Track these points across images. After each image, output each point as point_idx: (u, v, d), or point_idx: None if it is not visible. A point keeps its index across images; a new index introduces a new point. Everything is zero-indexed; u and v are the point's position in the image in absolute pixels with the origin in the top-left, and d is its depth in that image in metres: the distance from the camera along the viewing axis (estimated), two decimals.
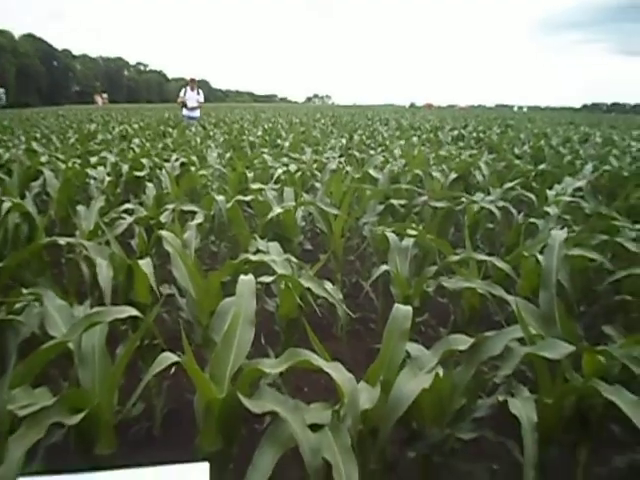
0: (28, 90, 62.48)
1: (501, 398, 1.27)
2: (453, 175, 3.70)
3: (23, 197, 3.48)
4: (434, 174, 3.65)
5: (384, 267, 2.24)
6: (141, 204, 3.27)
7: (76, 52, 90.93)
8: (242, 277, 1.59)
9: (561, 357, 1.32)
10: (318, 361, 1.07)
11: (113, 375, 1.25)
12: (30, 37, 73.72)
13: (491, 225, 3.38)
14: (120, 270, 1.90)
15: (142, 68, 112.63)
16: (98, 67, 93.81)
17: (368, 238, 3.13)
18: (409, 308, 1.45)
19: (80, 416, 1.03)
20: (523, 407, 1.15)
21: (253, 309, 1.48)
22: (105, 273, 1.76)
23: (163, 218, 2.72)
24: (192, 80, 10.83)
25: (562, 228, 2.75)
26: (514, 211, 2.92)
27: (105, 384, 1.25)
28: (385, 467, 1.43)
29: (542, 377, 1.46)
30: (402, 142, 6.71)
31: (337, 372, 1.06)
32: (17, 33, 72.22)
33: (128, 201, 3.75)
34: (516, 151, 6.31)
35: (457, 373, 1.45)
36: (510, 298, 1.71)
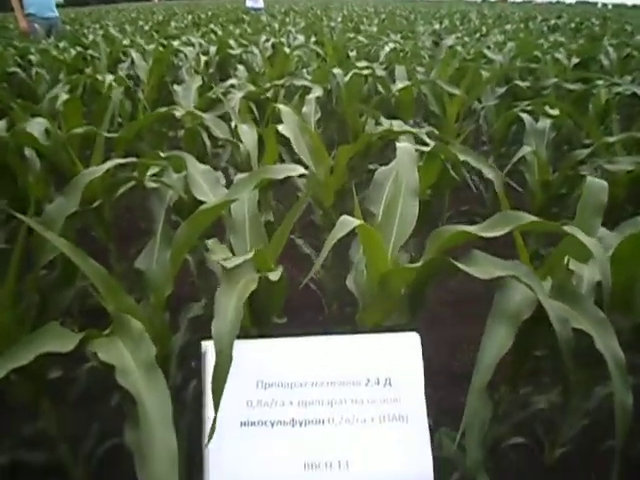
0: None
1: None
2: (575, 59, 3.31)
3: None
4: (556, 55, 3.26)
5: (526, 149, 2.01)
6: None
7: None
8: (399, 145, 1.43)
9: None
10: (545, 222, 0.91)
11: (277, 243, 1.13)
12: None
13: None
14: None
15: None
16: None
17: (483, 123, 2.88)
18: (604, 182, 1.27)
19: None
20: None
21: (416, 179, 1.32)
22: (251, 136, 1.63)
23: (270, 94, 2.56)
24: None
25: None
26: None
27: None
28: None
29: None
30: (498, 29, 6.13)
31: (581, 235, 0.90)
32: None
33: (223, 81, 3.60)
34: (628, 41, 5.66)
35: None
36: None
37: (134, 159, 1.41)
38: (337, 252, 1.41)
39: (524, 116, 2.21)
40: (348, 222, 1.07)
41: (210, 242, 1.06)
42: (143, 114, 2.46)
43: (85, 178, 1.19)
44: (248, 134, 1.65)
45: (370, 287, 1.19)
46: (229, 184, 1.41)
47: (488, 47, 3.50)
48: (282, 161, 2.01)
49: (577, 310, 0.84)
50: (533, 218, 0.92)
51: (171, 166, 1.47)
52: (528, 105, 2.28)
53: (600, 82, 2.65)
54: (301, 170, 1.19)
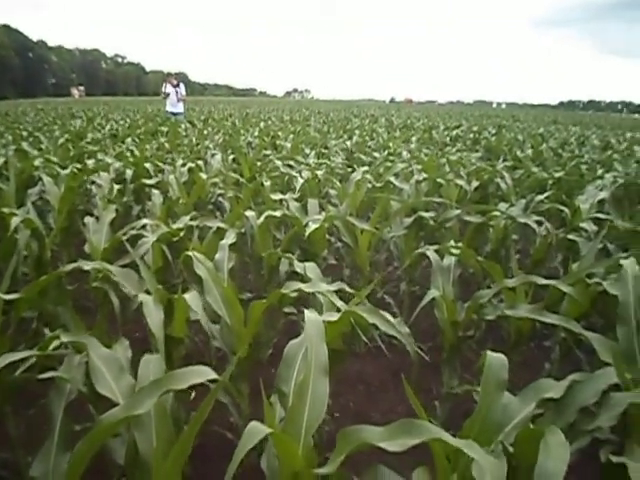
0: (3, 82, 60.96)
1: (615, 460, 1.15)
2: (475, 183, 3.59)
3: (20, 206, 3.28)
4: (457, 182, 3.53)
5: (433, 292, 2.11)
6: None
7: (52, 44, 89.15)
8: (308, 314, 1.44)
9: None
10: (448, 438, 0.93)
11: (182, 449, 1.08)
12: (5, 28, 71.88)
13: (515, 237, 3.29)
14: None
15: (120, 60, 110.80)
16: (74, 59, 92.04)
17: (395, 252, 3.01)
18: (503, 357, 1.33)
19: None
20: None
21: (326, 356, 1.33)
22: (155, 314, 1.57)
23: (182, 233, 2.56)
24: (169, 75, 10.78)
25: (602, 247, 2.67)
26: (549, 225, 2.82)
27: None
28: None
29: (638, 429, 1.35)
30: (404, 144, 6.58)
31: (474, 451, 0.92)
32: None
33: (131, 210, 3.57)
34: (519, 154, 6.23)
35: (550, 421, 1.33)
36: (592, 335, 1.59)
37: (30, 352, 1.33)
38: None
39: (430, 254, 2.33)
40: (257, 430, 1.05)
41: None
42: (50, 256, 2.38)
43: None
44: (151, 308, 1.59)
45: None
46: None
47: (395, 175, 3.72)
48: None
49: None
50: (438, 433, 0.94)
51: (73, 349, 1.40)
52: (433, 244, 2.41)
53: (497, 213, 2.86)
54: (210, 374, 1.16)
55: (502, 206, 3.19)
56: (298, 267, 2.23)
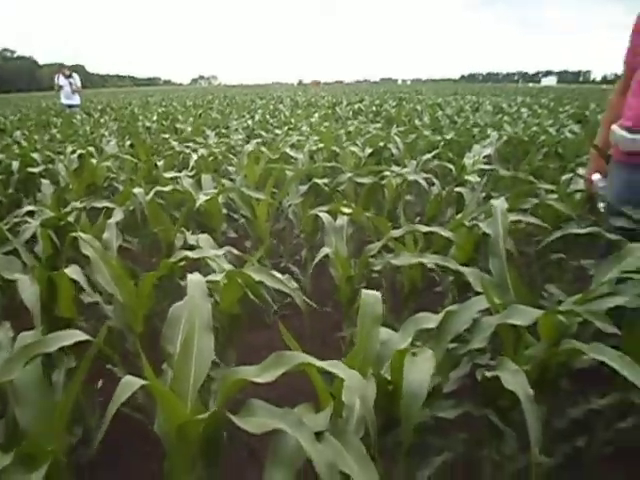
0: None
1: (489, 374, 1.24)
2: (369, 150, 3.69)
3: None
4: (351, 149, 3.61)
5: (326, 249, 2.16)
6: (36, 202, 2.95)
7: None
8: (191, 277, 1.45)
9: (531, 322, 1.33)
10: (315, 361, 0.97)
11: (61, 414, 1.07)
12: None
13: (409, 197, 3.42)
14: (40, 283, 1.67)
15: (8, 55, 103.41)
16: None
17: (294, 220, 3.05)
18: (377, 293, 1.39)
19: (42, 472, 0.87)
20: (516, 382, 1.13)
21: (209, 313, 1.35)
22: (30, 290, 1.51)
23: (71, 218, 2.46)
24: (61, 66, 10.34)
25: (486, 196, 2.84)
26: (436, 181, 2.95)
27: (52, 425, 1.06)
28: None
29: (508, 346, 1.47)
30: (305, 120, 6.63)
31: (340, 369, 0.97)
32: None
33: (20, 202, 3.39)
34: (417, 122, 6.45)
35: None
36: (466, 270, 1.70)
37: None
38: None
39: (323, 215, 2.39)
40: (131, 383, 1.04)
41: None
42: None
43: None
44: (27, 285, 1.53)
45: (170, 437, 1.16)
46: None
47: (292, 145, 3.76)
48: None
49: (345, 449, 0.89)
50: (306, 359, 0.98)
51: None
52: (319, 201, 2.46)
53: (388, 173, 2.96)
54: (82, 336, 1.14)
55: (396, 169, 3.30)
56: (191, 240, 2.22)
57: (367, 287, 2.28)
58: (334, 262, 2.23)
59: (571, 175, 2.74)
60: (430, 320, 1.44)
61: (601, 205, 2.24)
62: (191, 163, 3.23)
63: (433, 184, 2.98)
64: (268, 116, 7.35)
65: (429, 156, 3.30)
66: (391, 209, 3.10)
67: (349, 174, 2.92)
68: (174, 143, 4.13)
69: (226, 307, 1.95)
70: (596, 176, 2.29)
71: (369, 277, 2.23)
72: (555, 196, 2.39)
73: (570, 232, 1.95)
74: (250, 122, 6.35)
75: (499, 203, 1.85)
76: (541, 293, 1.98)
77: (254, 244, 3.02)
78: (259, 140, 3.93)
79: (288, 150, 3.55)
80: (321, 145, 3.86)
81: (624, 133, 2.06)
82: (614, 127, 2.11)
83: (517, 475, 1.57)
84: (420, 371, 1.08)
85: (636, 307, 1.58)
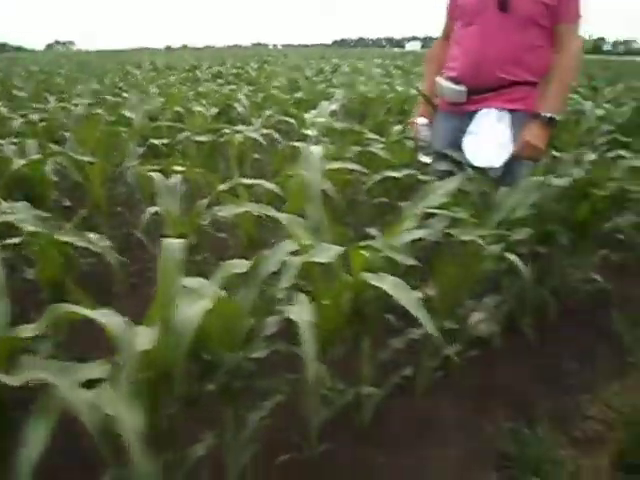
0: None
1: (281, 308, 1.29)
2: (214, 109, 3.62)
3: None
4: (195, 109, 3.51)
5: (153, 208, 2.11)
6: None
7: None
8: None
9: (332, 259, 1.39)
10: (83, 310, 0.95)
11: None
12: None
13: (258, 155, 3.41)
14: None
15: None
16: None
17: (132, 183, 2.93)
18: (181, 240, 1.38)
19: None
20: (300, 312, 1.19)
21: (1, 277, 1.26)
22: None
23: None
24: None
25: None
26: (277, 136, 2.97)
27: None
28: (186, 405, 1.38)
29: (317, 282, 1.53)
30: (159, 82, 6.35)
31: (106, 317, 0.95)
32: None
33: None
34: (275, 84, 6.43)
35: (241, 295, 1.44)
36: (281, 215, 1.73)
37: None
38: None
39: (153, 175, 2.31)
40: None
41: None
42: None
43: None
44: None
45: None
46: None
47: (131, 107, 3.58)
48: None
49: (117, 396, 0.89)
50: (67, 308, 0.96)
51: None
52: (157, 164, 2.38)
53: (228, 131, 2.93)
54: None
55: (242, 127, 3.28)
56: (6, 208, 2.06)
57: (206, 246, 2.30)
58: (166, 221, 2.19)
59: (402, 126, 2.88)
60: (241, 265, 1.46)
61: (421, 155, 2.35)
62: (13, 129, 2.97)
63: (276, 140, 3.00)
64: (118, 80, 6.95)
65: (269, 112, 3.31)
66: (237, 166, 3.09)
67: (186, 133, 2.85)
68: (3, 110, 3.77)
69: (46, 275, 1.85)
70: (421, 120, 2.34)
71: (213, 234, 2.21)
72: (382, 145, 2.50)
73: (387, 176, 2.06)
74: (97, 86, 5.96)
75: (314, 149, 1.89)
76: (365, 234, 2.08)
77: (91, 211, 2.87)
78: (90, 101, 3.70)
79: (125, 112, 3.38)
80: (166, 106, 3.72)
81: (450, 84, 2.13)
82: (439, 79, 2.17)
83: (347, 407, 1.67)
84: (186, 313, 1.08)
85: (439, 240, 1.73)
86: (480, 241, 1.66)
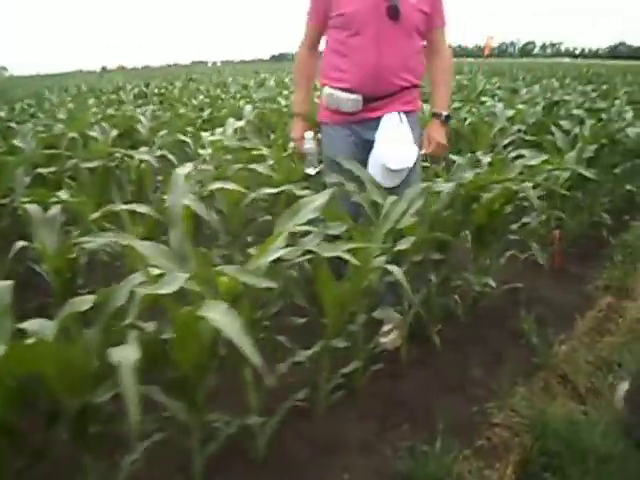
0: None
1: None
2: (115, 132, 3.49)
3: None
4: (93, 134, 3.38)
5: (20, 243, 1.98)
6: None
7: None
8: None
9: (176, 289, 1.31)
10: None
11: None
12: None
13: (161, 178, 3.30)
14: None
15: None
16: None
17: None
18: (7, 282, 1.28)
19: None
20: (123, 351, 1.11)
21: None
22: None
23: None
24: None
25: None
26: (172, 158, 2.89)
27: None
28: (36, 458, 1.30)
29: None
30: (69, 107, 6.14)
31: None
32: None
33: None
34: (194, 102, 6.34)
35: (88, 334, 1.36)
36: (144, 244, 1.64)
37: None
38: None
39: (29, 207, 2.18)
40: None
41: None
42: None
43: None
44: None
45: None
46: None
47: (24, 136, 3.42)
48: None
49: None
50: None
51: None
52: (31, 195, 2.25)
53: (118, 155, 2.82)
54: None
55: (144, 149, 3.16)
56: None
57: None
58: (42, 257, 2.06)
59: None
60: (85, 302, 1.37)
61: (310, 169, 2.31)
62: None
63: (171, 162, 2.91)
64: (28, 107, 6.70)
65: (163, 132, 3.22)
66: (136, 190, 2.96)
67: (73, 160, 2.73)
68: None
69: None
70: (308, 134, 2.29)
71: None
72: (271, 162, 2.45)
73: (263, 193, 2.00)
74: (2, 113, 5.72)
75: (180, 170, 1.82)
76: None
77: None
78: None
79: (16, 141, 3.22)
80: (65, 131, 3.58)
81: (347, 95, 2.10)
82: (332, 90, 2.13)
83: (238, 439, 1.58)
84: None
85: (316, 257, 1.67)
86: (348, 255, 1.61)
